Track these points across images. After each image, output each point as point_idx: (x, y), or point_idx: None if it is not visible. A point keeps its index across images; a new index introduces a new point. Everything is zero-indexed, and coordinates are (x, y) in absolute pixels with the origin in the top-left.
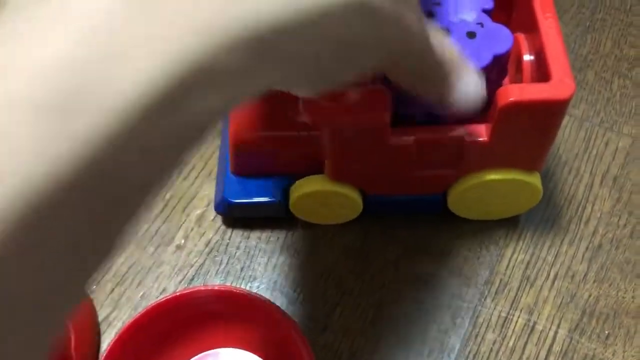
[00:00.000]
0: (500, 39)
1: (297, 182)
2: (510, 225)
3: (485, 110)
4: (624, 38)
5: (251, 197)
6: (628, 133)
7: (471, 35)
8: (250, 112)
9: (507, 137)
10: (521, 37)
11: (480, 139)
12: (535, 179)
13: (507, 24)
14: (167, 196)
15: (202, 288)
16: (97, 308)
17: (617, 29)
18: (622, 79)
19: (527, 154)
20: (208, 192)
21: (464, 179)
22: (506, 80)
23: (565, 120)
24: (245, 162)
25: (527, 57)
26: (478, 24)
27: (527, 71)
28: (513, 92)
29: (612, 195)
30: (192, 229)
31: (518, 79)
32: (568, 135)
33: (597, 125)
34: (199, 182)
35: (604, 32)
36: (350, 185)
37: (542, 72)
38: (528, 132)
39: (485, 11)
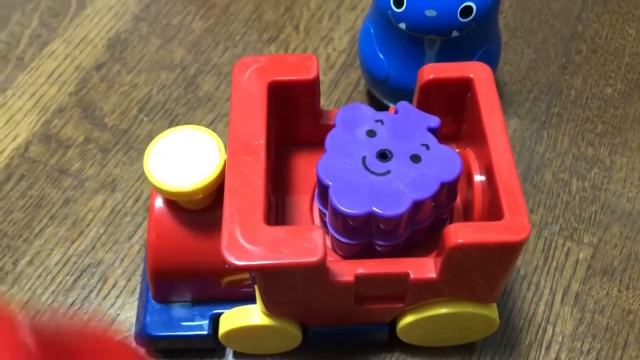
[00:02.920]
0: (448, 164)
1: (226, 312)
2: (466, 351)
3: (435, 230)
4: (581, 135)
5: (174, 330)
6: (588, 242)
7: (415, 159)
8: (170, 235)
9: (457, 275)
10: (471, 154)
11: (428, 276)
12: (491, 311)
13: (456, 136)
14: (85, 318)
15: None
16: None
17: (573, 125)
18: (580, 180)
19: (482, 288)
20: (130, 314)
21: (412, 311)
22: (458, 200)
23: None
24: (167, 289)
25: (478, 178)
26: (423, 145)
27: (478, 194)
28: (462, 233)
29: (574, 315)
30: None
31: (469, 195)
32: (527, 246)
33: (556, 233)
34: (120, 302)
35: (560, 128)
36: (288, 319)
37: (493, 193)
38: (480, 271)
39: (431, 130)
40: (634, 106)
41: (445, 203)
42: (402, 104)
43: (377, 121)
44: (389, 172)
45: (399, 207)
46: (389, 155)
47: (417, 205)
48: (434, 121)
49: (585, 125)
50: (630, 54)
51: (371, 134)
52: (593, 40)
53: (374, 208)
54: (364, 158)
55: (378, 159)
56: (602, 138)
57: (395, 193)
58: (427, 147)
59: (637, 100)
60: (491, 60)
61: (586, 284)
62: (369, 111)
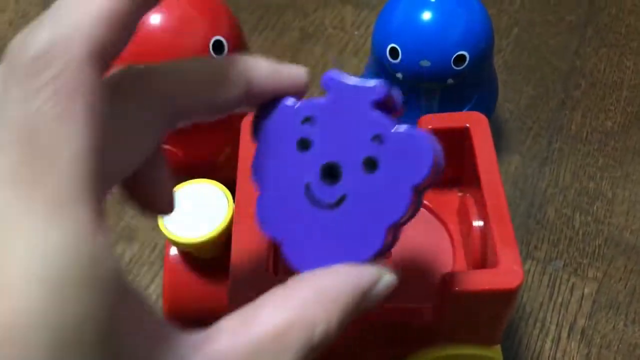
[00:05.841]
0: (412, 156)
1: None
2: None
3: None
4: (582, 169)
5: None
6: (593, 277)
7: (370, 165)
8: (184, 282)
9: (456, 320)
10: (470, 200)
11: (427, 322)
12: (494, 353)
13: (458, 182)
14: None
15: None
16: None
17: (575, 160)
18: (583, 215)
19: (482, 331)
20: None
21: (414, 354)
22: (460, 243)
23: (528, 264)
24: None
25: (477, 224)
26: (374, 138)
27: (476, 239)
28: (458, 282)
29: (580, 351)
30: None
31: (469, 243)
32: (531, 282)
33: (561, 269)
34: None
35: (561, 163)
36: None
37: (490, 239)
38: (479, 316)
39: (377, 105)
40: (634, 138)
41: (429, 184)
42: (330, 76)
43: (305, 121)
44: (344, 197)
45: (372, 245)
46: (336, 171)
47: (393, 228)
48: (377, 91)
49: (586, 159)
50: (628, 87)
51: (304, 144)
52: (591, 75)
53: (341, 257)
54: (307, 185)
55: (325, 182)
56: (604, 172)
57: (361, 226)
58: (380, 140)
59: (636, 133)
60: (488, 102)
61: (592, 318)
62: (288, 105)
